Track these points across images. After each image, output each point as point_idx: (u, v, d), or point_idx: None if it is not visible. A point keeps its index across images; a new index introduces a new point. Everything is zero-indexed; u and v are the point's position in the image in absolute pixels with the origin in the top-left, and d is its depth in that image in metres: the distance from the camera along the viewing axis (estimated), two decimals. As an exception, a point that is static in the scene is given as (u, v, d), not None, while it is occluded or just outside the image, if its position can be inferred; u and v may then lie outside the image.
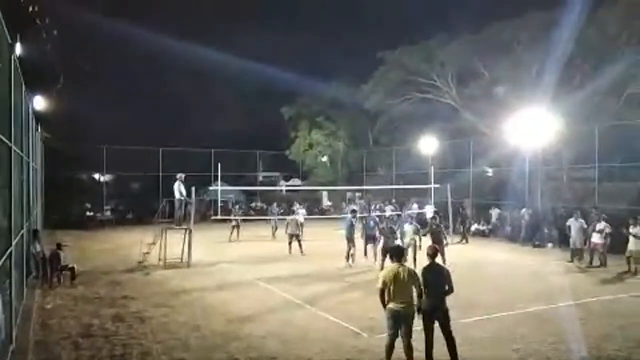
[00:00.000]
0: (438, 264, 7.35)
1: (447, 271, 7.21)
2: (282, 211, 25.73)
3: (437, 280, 7.09)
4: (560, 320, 9.41)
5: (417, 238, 15.12)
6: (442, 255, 13.94)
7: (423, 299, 6.99)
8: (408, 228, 15.31)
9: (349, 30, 55.42)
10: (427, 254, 7.45)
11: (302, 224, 20.17)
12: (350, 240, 15.55)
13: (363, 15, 56.36)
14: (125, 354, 7.67)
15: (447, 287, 7.10)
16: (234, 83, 45.23)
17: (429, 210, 23.12)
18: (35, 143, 17.09)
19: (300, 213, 21.29)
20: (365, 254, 15.83)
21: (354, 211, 17.84)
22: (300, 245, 17.47)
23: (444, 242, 15.17)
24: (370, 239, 15.84)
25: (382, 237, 14.98)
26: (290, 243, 17.58)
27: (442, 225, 16.21)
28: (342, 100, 37.63)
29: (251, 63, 39.81)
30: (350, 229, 15.78)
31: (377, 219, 17.34)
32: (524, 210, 21.80)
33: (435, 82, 28.67)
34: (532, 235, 20.92)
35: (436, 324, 7.07)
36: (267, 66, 38.68)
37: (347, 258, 15.38)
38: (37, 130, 19.34)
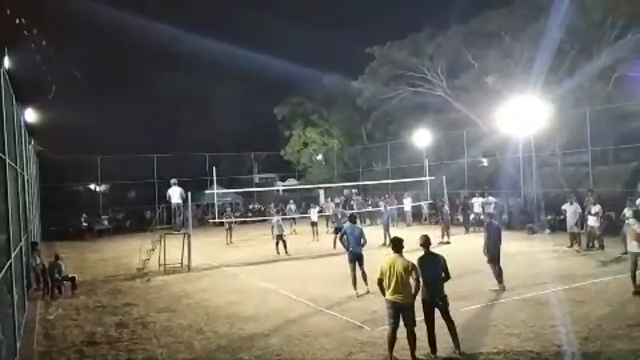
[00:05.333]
0: (432, 253, 7.38)
1: (443, 259, 7.25)
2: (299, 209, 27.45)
3: (433, 269, 7.15)
4: (559, 304, 9.49)
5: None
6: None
7: (422, 288, 7.05)
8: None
9: (337, 27, 55.48)
10: (420, 244, 7.48)
11: (316, 223, 22.15)
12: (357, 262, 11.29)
13: (350, 12, 56.40)
14: (130, 359, 7.71)
15: (443, 275, 7.17)
16: (225, 84, 45.29)
17: (407, 203, 25.99)
18: (28, 156, 17.08)
19: (313, 212, 22.57)
20: (335, 246, 17.20)
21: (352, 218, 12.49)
22: (285, 246, 17.79)
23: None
24: (339, 230, 16.72)
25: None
26: (277, 244, 17.90)
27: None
28: (334, 98, 37.75)
29: (243, 62, 39.96)
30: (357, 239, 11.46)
31: (345, 212, 19.51)
32: (489, 198, 22.58)
33: (426, 75, 28.76)
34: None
35: (437, 314, 7.15)
36: (259, 64, 38.82)
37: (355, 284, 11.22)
38: (30, 143, 19.31)
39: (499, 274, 10.94)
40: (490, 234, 11.18)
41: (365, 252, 11.59)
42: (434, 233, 17.13)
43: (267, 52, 41.40)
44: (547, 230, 20.04)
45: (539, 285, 11.04)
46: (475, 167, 29.21)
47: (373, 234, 19.26)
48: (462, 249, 16.20)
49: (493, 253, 11.00)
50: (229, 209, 25.13)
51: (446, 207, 20.07)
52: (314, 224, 22.10)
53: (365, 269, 11.17)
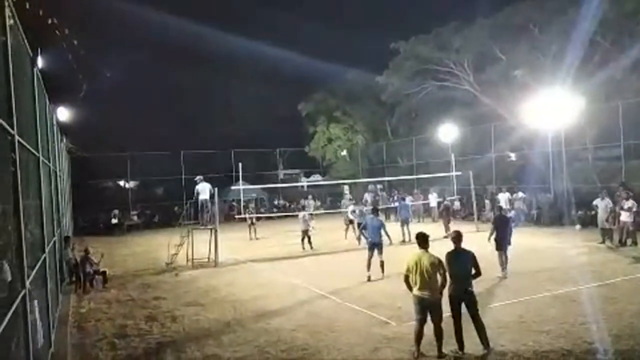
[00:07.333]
0: (463, 249, 7.31)
1: (473, 254, 7.18)
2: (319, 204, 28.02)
3: (461, 264, 7.09)
4: (591, 301, 9.30)
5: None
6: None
7: (449, 284, 6.99)
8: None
9: (360, 22, 55.13)
10: (451, 239, 7.42)
11: (352, 221, 20.08)
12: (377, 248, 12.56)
13: (373, 7, 55.91)
14: (159, 351, 7.87)
15: (474, 271, 7.10)
16: (248, 82, 45.50)
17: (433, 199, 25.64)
18: (60, 153, 17.52)
19: (349, 209, 20.99)
20: (359, 241, 17.18)
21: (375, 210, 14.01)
22: (309, 241, 17.99)
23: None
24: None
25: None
26: (302, 239, 18.07)
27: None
28: (358, 94, 37.60)
29: (266, 59, 40.11)
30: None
31: (363, 209, 20.19)
32: (519, 193, 22.35)
33: (452, 69, 28.37)
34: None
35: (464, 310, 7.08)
36: (282, 61, 38.87)
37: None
38: (62, 141, 19.80)
39: (504, 262, 11.85)
40: (497, 225, 12.19)
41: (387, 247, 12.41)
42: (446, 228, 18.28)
43: (290, 48, 41.44)
44: (578, 226, 19.62)
45: (569, 282, 10.83)
46: (503, 162, 28.74)
47: (397, 230, 19.24)
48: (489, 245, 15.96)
49: (500, 243, 11.96)
50: (252, 205, 25.28)
51: (447, 203, 20.91)
52: (351, 221, 20.01)
53: (383, 258, 12.33)
